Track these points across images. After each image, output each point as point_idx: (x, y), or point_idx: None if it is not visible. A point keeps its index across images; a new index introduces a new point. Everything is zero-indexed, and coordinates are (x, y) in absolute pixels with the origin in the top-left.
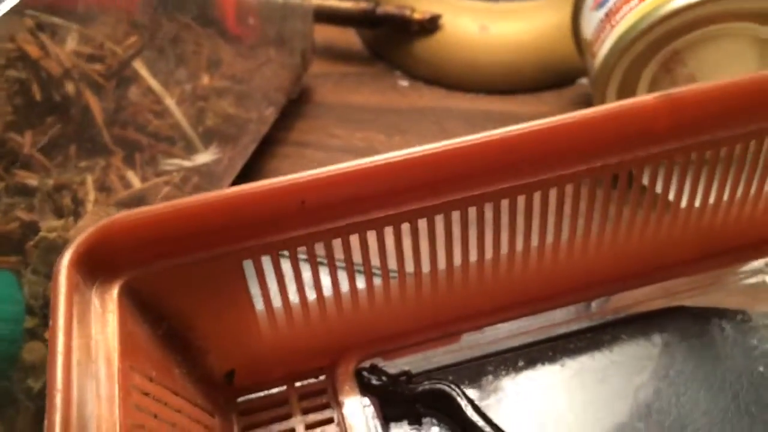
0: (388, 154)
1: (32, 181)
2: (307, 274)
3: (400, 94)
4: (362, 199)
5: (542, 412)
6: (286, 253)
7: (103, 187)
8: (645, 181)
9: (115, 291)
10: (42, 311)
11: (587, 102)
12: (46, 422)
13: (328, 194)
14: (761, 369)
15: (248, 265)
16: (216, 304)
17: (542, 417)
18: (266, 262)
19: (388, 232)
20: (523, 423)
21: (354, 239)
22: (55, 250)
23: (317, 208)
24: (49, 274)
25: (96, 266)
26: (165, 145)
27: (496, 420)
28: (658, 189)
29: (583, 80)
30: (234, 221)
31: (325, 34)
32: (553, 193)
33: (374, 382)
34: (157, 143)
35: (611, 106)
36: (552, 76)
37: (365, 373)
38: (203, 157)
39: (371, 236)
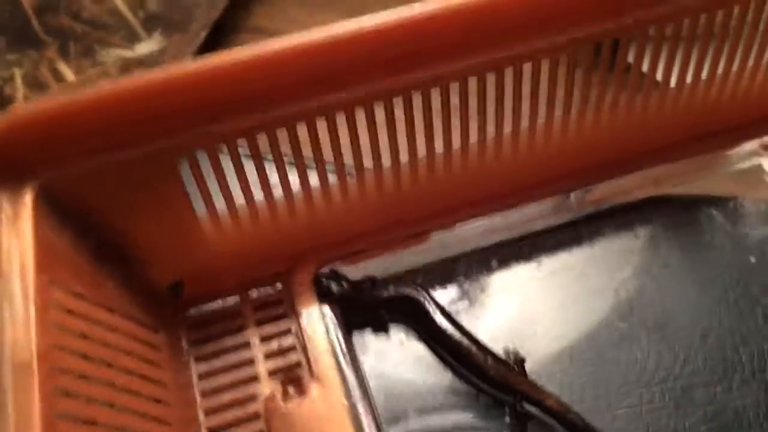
0: (337, 26)
1: None
2: (251, 170)
3: None
4: (312, 80)
5: (517, 315)
6: (225, 149)
7: (34, 83)
8: (630, 57)
9: (28, 195)
10: None
11: None
12: None
13: (272, 74)
14: (752, 260)
15: (184, 164)
16: (151, 209)
17: (517, 320)
18: (204, 159)
19: (342, 120)
20: (497, 327)
21: (302, 130)
22: None
23: (259, 91)
24: None
25: (4, 167)
26: (102, 34)
27: (467, 325)
28: (645, 66)
29: None
30: (164, 108)
31: None
32: (527, 70)
33: (335, 288)
34: (94, 31)
35: None
36: None
37: (324, 280)
38: (146, 46)
39: (321, 126)
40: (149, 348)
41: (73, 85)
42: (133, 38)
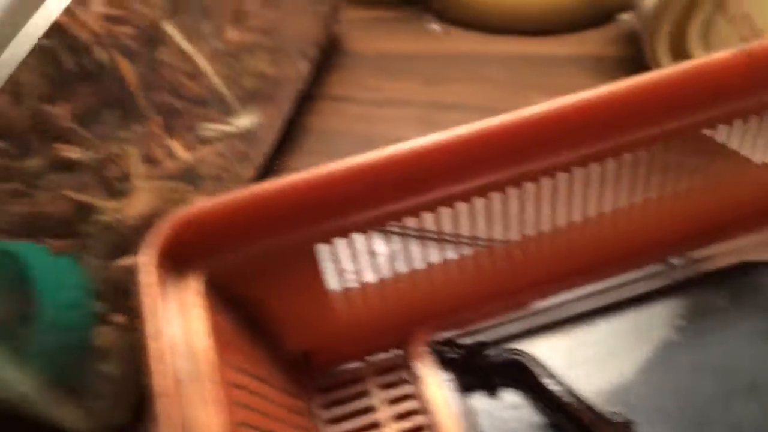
0: (460, 128)
1: (75, 154)
2: (380, 249)
3: (434, 40)
4: (437, 175)
5: (619, 377)
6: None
7: (147, 159)
8: (720, 138)
9: (200, 283)
10: (108, 295)
11: (630, 40)
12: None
13: (404, 172)
14: None
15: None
16: (290, 288)
17: (619, 382)
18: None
19: (461, 205)
20: (603, 392)
21: (427, 214)
22: (111, 230)
23: (391, 186)
24: (109, 256)
25: (179, 259)
26: (202, 109)
27: (573, 386)
28: (734, 145)
29: (624, 16)
30: (309, 204)
31: None
32: (627, 157)
33: (450, 355)
34: (194, 107)
35: (688, 65)
36: (590, 14)
37: (440, 347)
38: (243, 121)
39: (444, 210)
40: (294, 414)
41: (188, 162)
42: (229, 113)
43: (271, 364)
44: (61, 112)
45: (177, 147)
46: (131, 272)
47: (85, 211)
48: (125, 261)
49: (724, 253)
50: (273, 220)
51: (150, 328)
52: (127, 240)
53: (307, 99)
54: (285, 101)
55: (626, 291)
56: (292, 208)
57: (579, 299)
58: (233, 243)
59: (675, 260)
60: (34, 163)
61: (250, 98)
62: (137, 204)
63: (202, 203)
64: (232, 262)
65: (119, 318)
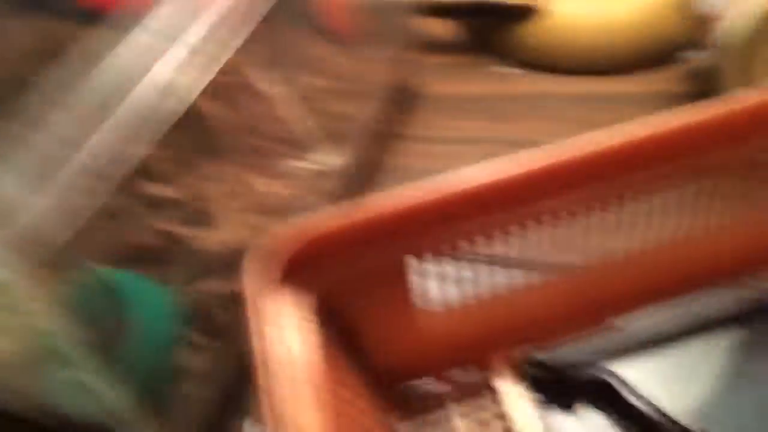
0: (555, 147)
1: (165, 192)
2: (466, 274)
3: (504, 82)
4: (529, 198)
5: (703, 397)
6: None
7: (232, 194)
8: None
9: (312, 302)
10: (195, 319)
11: (697, 77)
12: None
13: (503, 193)
14: None
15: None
16: (382, 304)
17: (703, 402)
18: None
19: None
20: (686, 408)
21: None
22: (199, 259)
23: (490, 204)
24: (195, 283)
25: (300, 277)
26: (285, 148)
27: (660, 405)
28: None
29: (690, 54)
30: (407, 225)
31: (426, 25)
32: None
33: (535, 374)
34: (277, 146)
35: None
36: (656, 53)
37: (525, 366)
38: (323, 158)
39: (532, 229)
40: (382, 428)
41: (270, 196)
42: (310, 151)
43: (362, 379)
44: (158, 155)
45: (259, 182)
46: (214, 296)
47: (173, 240)
48: (209, 286)
49: None
50: (375, 236)
51: (262, 343)
52: (211, 267)
53: (383, 138)
54: (363, 141)
55: (711, 311)
56: (392, 228)
57: (664, 320)
58: (343, 260)
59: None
60: (130, 200)
61: (331, 138)
62: (225, 234)
63: (320, 222)
64: (341, 280)
65: (205, 341)
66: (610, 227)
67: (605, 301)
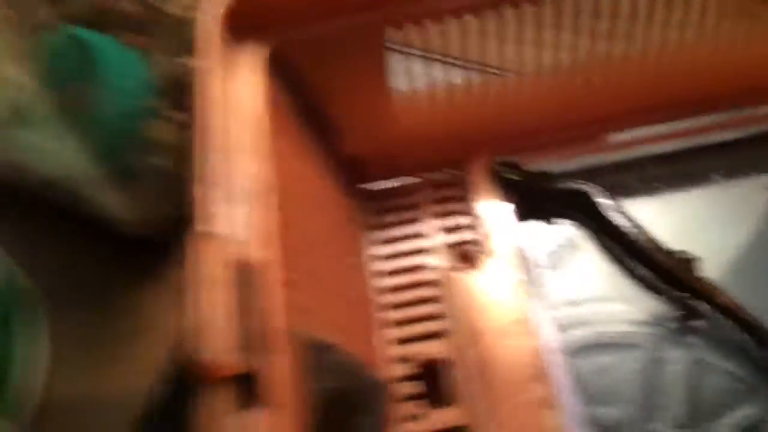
0: None
1: None
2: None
3: None
4: None
5: (692, 221)
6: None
7: None
8: None
9: (263, 54)
10: (168, 92)
11: None
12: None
13: None
14: None
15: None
16: (354, 79)
17: (692, 227)
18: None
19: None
20: (670, 232)
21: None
22: (183, 29)
23: None
24: (177, 54)
25: (245, 26)
26: None
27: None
28: None
29: None
30: None
31: None
32: None
33: (510, 176)
34: None
35: None
36: None
37: (501, 167)
38: None
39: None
40: (338, 215)
41: None
42: None
43: (323, 160)
44: None
45: None
46: (189, 72)
47: (156, 12)
48: (189, 61)
49: None
50: None
51: (206, 88)
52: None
53: None
54: None
55: (713, 136)
56: None
57: (657, 139)
58: (300, 16)
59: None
60: None
61: None
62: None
63: None
64: (297, 38)
65: (177, 115)
66: (601, 32)
67: (593, 112)
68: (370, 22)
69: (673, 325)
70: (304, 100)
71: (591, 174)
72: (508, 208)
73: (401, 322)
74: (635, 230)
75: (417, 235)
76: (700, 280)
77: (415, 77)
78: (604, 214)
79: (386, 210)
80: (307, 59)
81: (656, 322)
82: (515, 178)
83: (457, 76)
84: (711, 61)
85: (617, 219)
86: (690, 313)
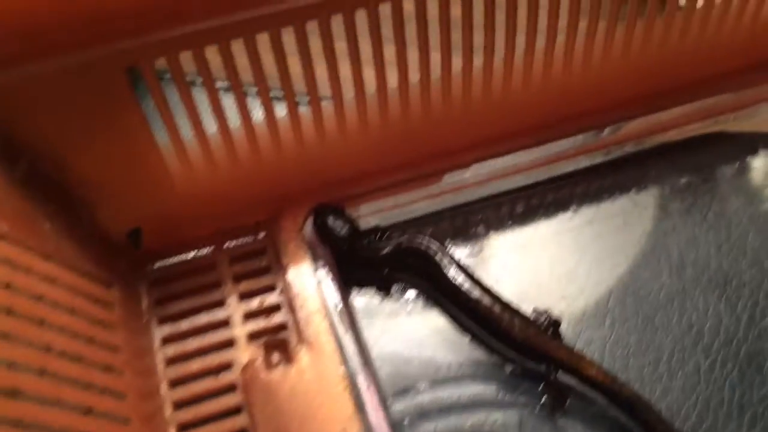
0: None
1: None
2: (226, 96)
3: None
4: None
5: (547, 271)
6: (193, 73)
7: None
8: None
9: None
10: None
11: None
12: None
13: None
14: None
15: (142, 86)
16: (98, 135)
17: (547, 277)
18: (168, 82)
19: (338, 24)
20: (523, 286)
21: (289, 36)
22: None
23: None
24: None
25: None
26: None
27: (488, 283)
28: None
29: None
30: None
31: None
32: None
33: (331, 233)
34: None
35: None
36: None
37: (322, 220)
38: None
39: (312, 30)
40: (97, 305)
41: None
42: None
43: (68, 239)
44: None
45: None
46: None
47: None
48: None
49: (688, 122)
50: (64, 22)
51: None
52: None
53: None
54: None
55: (558, 167)
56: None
57: (499, 174)
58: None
59: (614, 128)
60: None
61: None
62: None
63: None
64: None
65: None
66: (437, 38)
67: (427, 148)
68: (103, 57)
69: (537, 406)
70: (27, 164)
71: (434, 219)
72: (331, 277)
73: None
74: (480, 293)
75: (218, 325)
76: (562, 348)
77: (198, 120)
78: (445, 275)
79: (178, 295)
80: (24, 109)
81: (514, 401)
82: (337, 232)
83: (258, 111)
84: (560, 84)
85: (460, 280)
86: (552, 388)
